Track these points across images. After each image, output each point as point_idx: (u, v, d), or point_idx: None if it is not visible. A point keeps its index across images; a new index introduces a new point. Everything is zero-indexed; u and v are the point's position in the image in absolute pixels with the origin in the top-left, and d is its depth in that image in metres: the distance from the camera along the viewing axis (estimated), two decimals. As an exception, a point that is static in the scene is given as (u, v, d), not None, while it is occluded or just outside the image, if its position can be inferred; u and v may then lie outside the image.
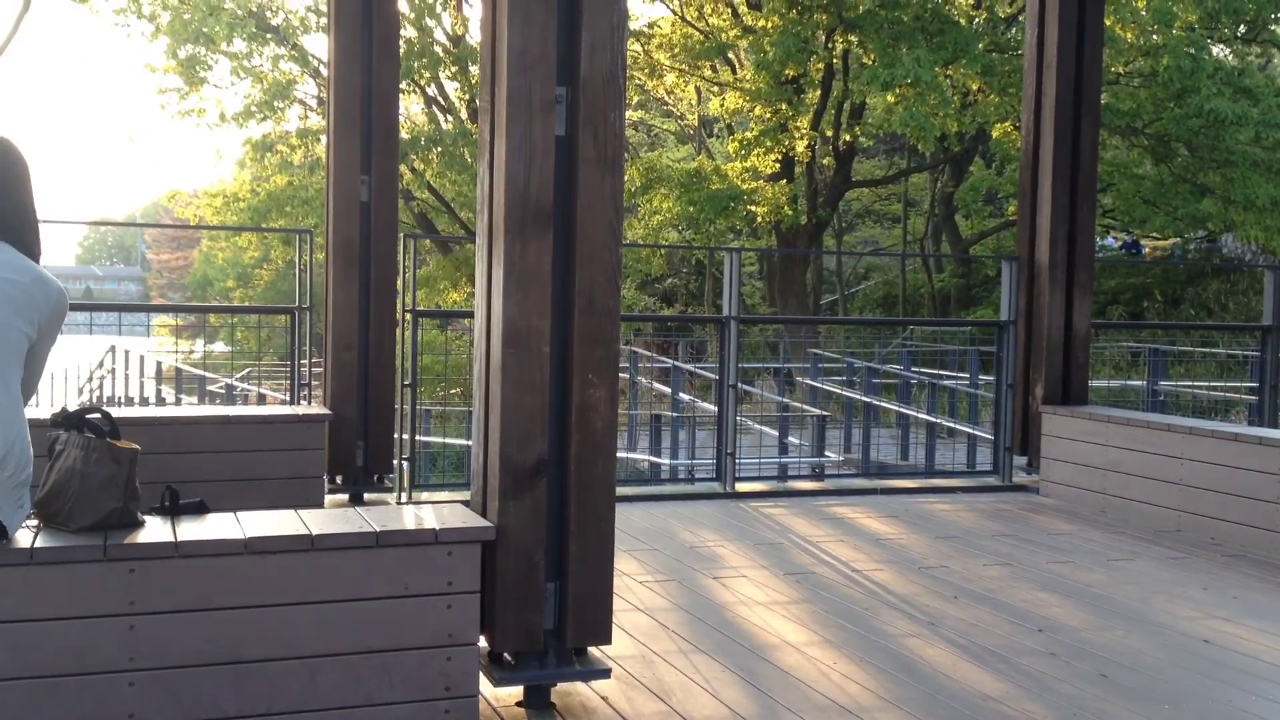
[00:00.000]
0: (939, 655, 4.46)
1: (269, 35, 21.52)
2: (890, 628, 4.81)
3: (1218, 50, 21.44)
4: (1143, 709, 3.93)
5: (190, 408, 9.36)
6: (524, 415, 3.71)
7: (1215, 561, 6.15)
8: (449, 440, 11.78)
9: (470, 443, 4.05)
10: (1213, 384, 12.91)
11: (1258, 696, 4.08)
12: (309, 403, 7.60)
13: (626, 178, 18.77)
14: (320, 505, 6.06)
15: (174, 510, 3.57)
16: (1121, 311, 22.17)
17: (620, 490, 7.57)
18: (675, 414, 12.56)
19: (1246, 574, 5.89)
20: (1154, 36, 19.05)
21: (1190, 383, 13.00)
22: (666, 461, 11.66)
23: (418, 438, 7.68)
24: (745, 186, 20.65)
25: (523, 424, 3.71)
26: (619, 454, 11.54)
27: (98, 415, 3.52)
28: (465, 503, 3.98)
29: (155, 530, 3.37)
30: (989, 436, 9.25)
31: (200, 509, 3.63)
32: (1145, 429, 7.26)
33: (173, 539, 3.29)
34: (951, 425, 12.35)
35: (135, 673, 3.21)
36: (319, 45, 22.62)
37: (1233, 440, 6.72)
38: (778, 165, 21.01)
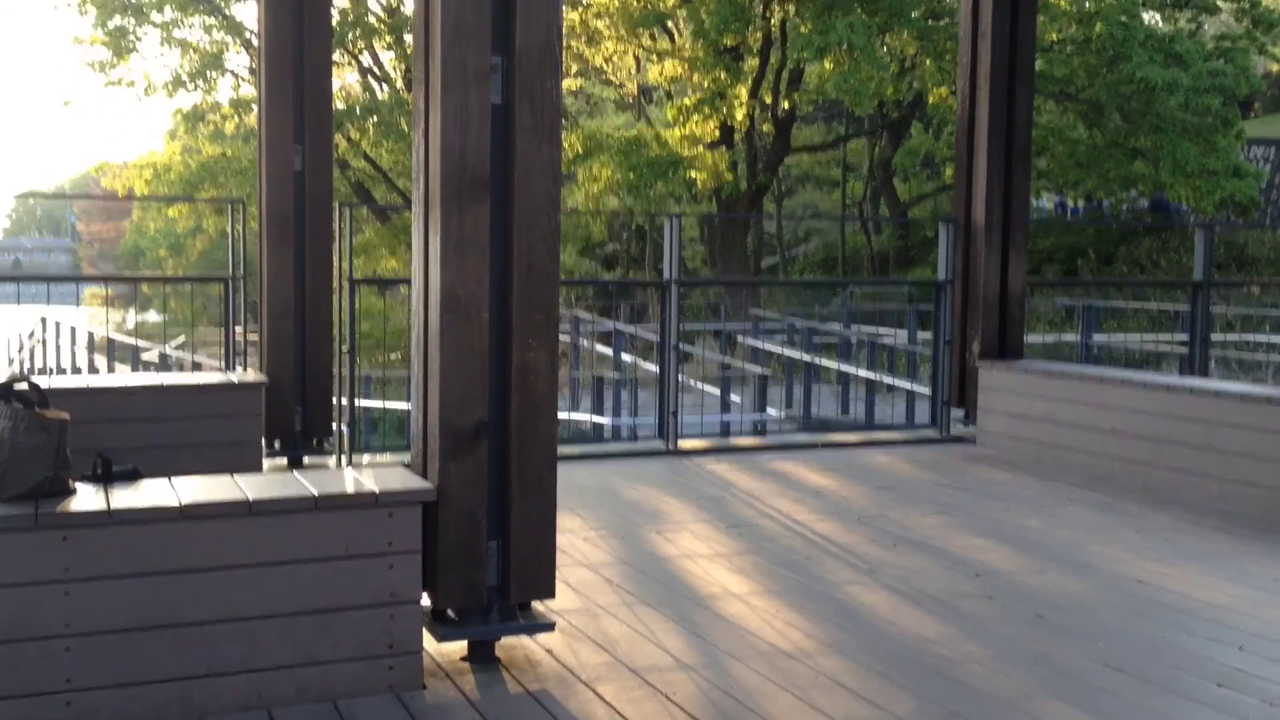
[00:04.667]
0: (879, 601, 4.53)
1: (200, 4, 21.08)
2: (831, 576, 4.88)
3: (1149, 17, 21.72)
4: (1077, 647, 4.02)
5: (124, 375, 9.19)
6: (463, 380, 3.69)
7: (1147, 506, 6.29)
8: (389, 404, 11.70)
9: (410, 406, 4.03)
10: (1145, 337, 13.16)
11: (1189, 634, 4.19)
12: (245, 369, 7.50)
13: (565, 145, 18.69)
14: (259, 470, 6.00)
15: (107, 478, 3.52)
16: (1056, 270, 22.48)
17: (563, 450, 7.58)
18: (618, 375, 12.57)
19: (1177, 517, 6.04)
20: (1087, 4, 19.26)
21: (1123, 336, 13.22)
22: (609, 421, 11.69)
23: (358, 402, 7.63)
24: (685, 153, 20.62)
25: (462, 388, 3.69)
26: (562, 415, 11.50)
27: (25, 386, 3.46)
28: (406, 465, 3.97)
29: (87, 498, 3.32)
30: (927, 391, 9.37)
31: (134, 476, 3.59)
32: (1079, 381, 7.39)
33: (105, 507, 3.24)
34: (891, 381, 12.48)
35: (71, 638, 3.17)
36: (249, 14, 22.20)
37: (1164, 391, 6.86)
38: (717, 132, 20.99)
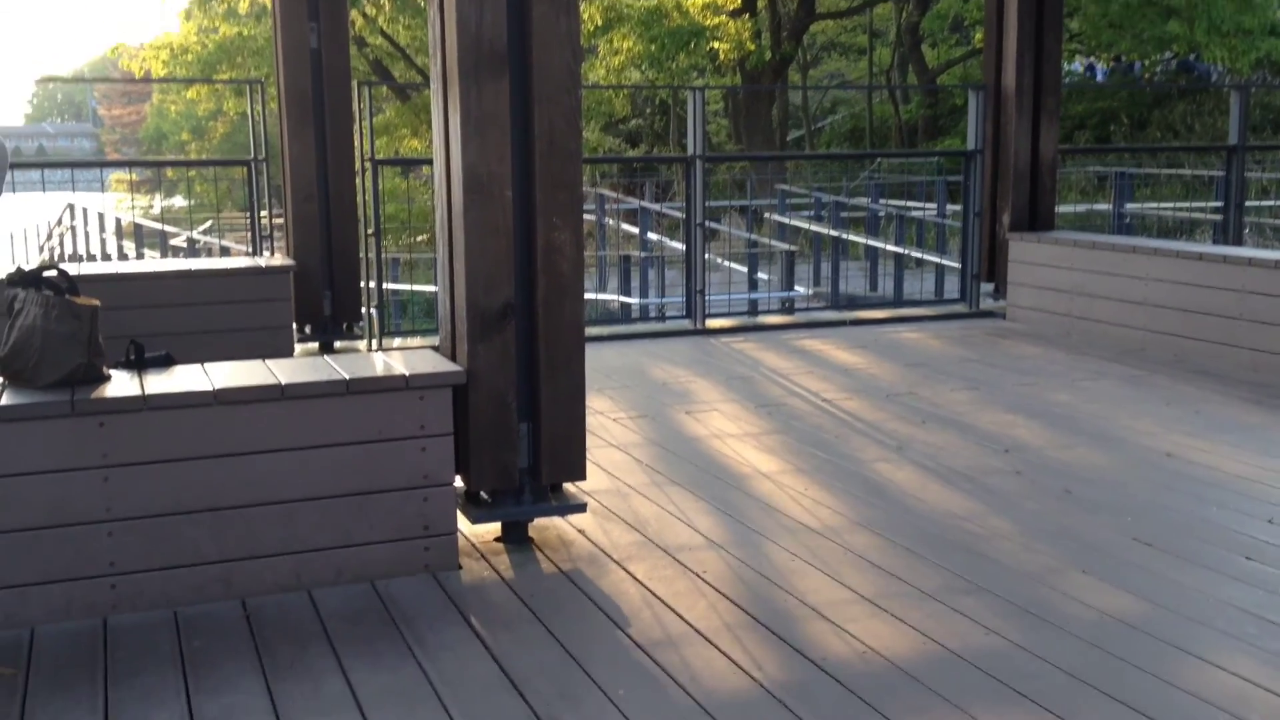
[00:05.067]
0: (907, 478, 4.56)
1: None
2: (860, 453, 4.90)
3: None
4: (1105, 521, 4.05)
5: (153, 262, 9.22)
6: (489, 260, 3.67)
7: (1178, 378, 6.26)
8: (417, 287, 11.71)
9: (437, 289, 4.03)
10: (1178, 205, 12.93)
11: (1217, 506, 4.20)
12: (272, 254, 7.51)
13: (584, 17, 18.25)
14: (290, 355, 6.04)
15: (140, 364, 3.56)
16: (1088, 136, 22.02)
17: (591, 330, 7.58)
18: (644, 254, 12.51)
19: (1208, 389, 6.01)
20: None
21: (1156, 205, 13.00)
22: (637, 301, 11.66)
23: (386, 285, 7.64)
24: (707, 22, 20.14)
25: (488, 269, 3.67)
26: (589, 295, 11.46)
27: (54, 272, 3.47)
28: (435, 348, 3.98)
29: (122, 384, 3.35)
30: (956, 265, 9.28)
31: (167, 362, 3.62)
32: (1110, 251, 7.30)
33: (140, 392, 3.27)
34: (919, 255, 12.36)
35: (113, 523, 3.23)
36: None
37: (1197, 259, 6.77)
38: (739, 0, 20.46)
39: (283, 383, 3.41)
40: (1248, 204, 11.34)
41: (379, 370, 3.63)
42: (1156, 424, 5.33)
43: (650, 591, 3.44)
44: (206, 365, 3.60)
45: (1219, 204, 10.00)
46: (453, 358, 3.78)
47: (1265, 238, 13.34)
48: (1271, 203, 14.06)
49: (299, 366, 3.67)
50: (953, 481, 4.51)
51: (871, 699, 2.78)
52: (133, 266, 6.86)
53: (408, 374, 3.54)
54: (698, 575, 3.56)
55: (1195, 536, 3.89)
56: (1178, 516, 4.10)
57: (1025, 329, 7.76)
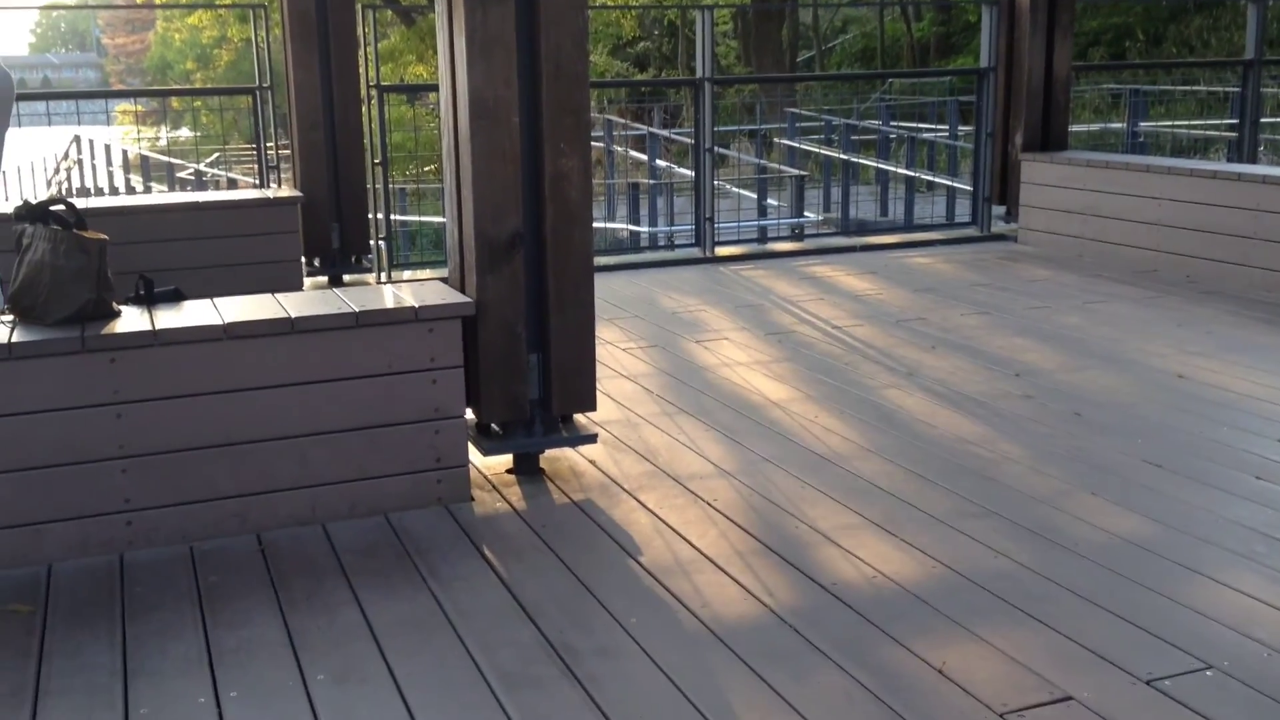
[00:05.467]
0: (917, 404, 4.56)
1: None
2: (870, 380, 4.90)
3: None
4: (1115, 443, 4.05)
5: (160, 195, 9.19)
6: (496, 188, 3.65)
7: (1190, 299, 6.23)
8: (425, 218, 11.66)
9: (445, 219, 4.00)
10: (1193, 123, 12.77)
11: (1229, 427, 4.20)
12: (279, 185, 7.48)
13: (591, -65, 17.94)
14: (299, 288, 6.04)
15: (149, 299, 3.56)
16: (1103, 53, 21.68)
17: (600, 260, 7.56)
18: (653, 181, 12.42)
19: (1220, 310, 5.98)
20: None
21: (1170, 123, 12.83)
22: (646, 230, 11.60)
23: (394, 217, 7.61)
24: (716, -61, 19.78)
25: (495, 198, 3.65)
26: (597, 224, 11.41)
27: (62, 206, 3.45)
28: (444, 280, 3.97)
29: (132, 320, 3.36)
30: (968, 188, 9.20)
31: (176, 297, 3.62)
32: (1124, 171, 7.22)
33: (151, 328, 3.28)
34: (930, 179, 12.26)
35: (127, 459, 3.26)
36: None
37: (1210, 178, 6.70)
38: (748, -85, 20.09)
39: (292, 316, 3.41)
40: (1264, 120, 11.19)
41: (388, 303, 3.63)
42: (1168, 345, 5.31)
43: (661, 520, 3.47)
44: (216, 300, 3.60)
45: (1234, 121, 9.86)
46: (461, 289, 3.78)
47: (1281, 155, 13.17)
48: (1288, 119, 13.87)
49: (308, 300, 3.67)
50: (963, 406, 4.51)
51: (880, 622, 2.81)
52: (140, 200, 6.84)
53: (417, 306, 3.54)
54: (708, 503, 3.59)
55: (1205, 457, 3.90)
56: (1187, 437, 4.10)
57: (1037, 251, 7.71)
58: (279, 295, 3.69)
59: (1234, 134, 9.69)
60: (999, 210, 8.38)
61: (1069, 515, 3.43)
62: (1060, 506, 3.50)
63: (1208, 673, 2.55)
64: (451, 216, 3.85)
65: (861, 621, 2.82)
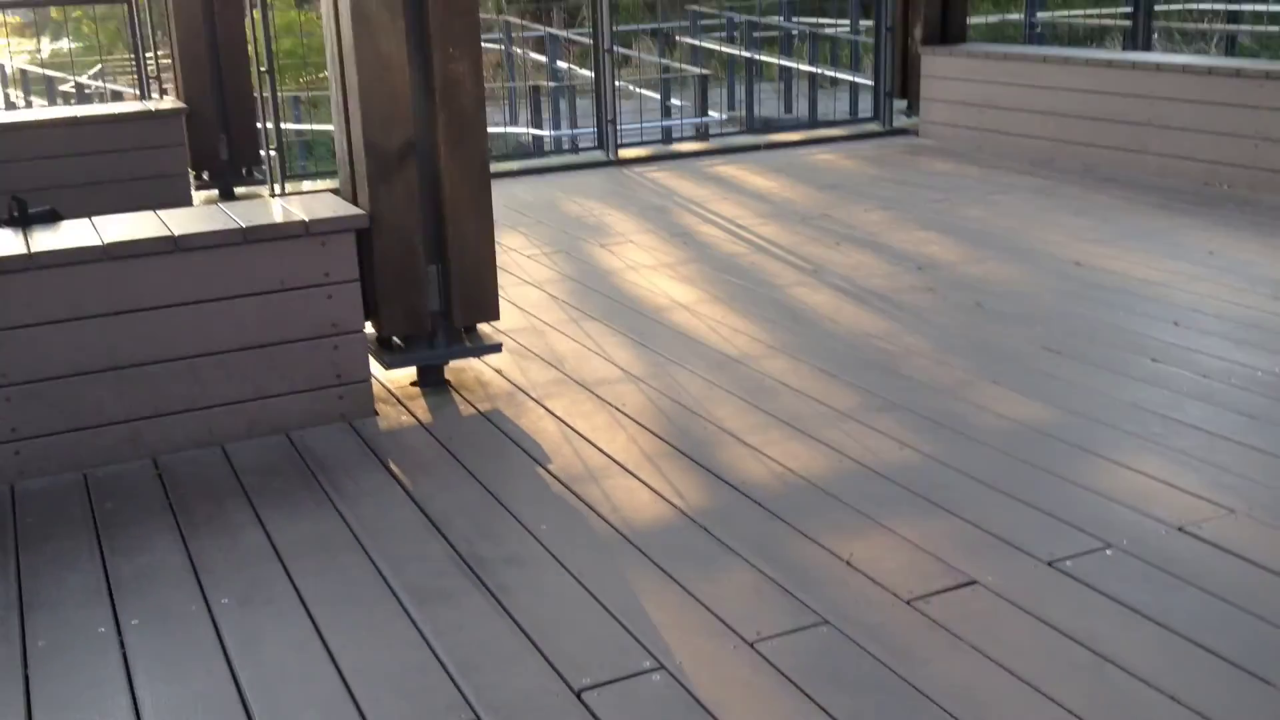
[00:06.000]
0: (823, 301, 4.57)
1: None
2: (775, 279, 4.90)
3: None
4: (1015, 331, 4.10)
5: (35, 110, 8.77)
6: (384, 97, 3.52)
7: (1087, 187, 6.31)
8: (321, 126, 11.32)
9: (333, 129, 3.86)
10: (1089, 12, 12.84)
11: (1125, 312, 4.28)
12: (162, 97, 7.17)
13: None
14: (188, 203, 5.83)
15: (24, 220, 3.39)
16: (1002, -57, 21.64)
17: (502, 166, 7.43)
18: (554, 84, 12.19)
19: (1116, 196, 6.07)
20: None
21: (1067, 13, 12.90)
22: (549, 134, 11.41)
23: (288, 126, 7.36)
24: None
25: (383, 106, 3.52)
26: (499, 129, 11.16)
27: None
28: (336, 192, 3.85)
29: (6, 243, 3.20)
30: (870, 83, 9.18)
31: (52, 218, 3.45)
32: (1021, 62, 7.24)
33: (26, 250, 3.13)
34: (834, 75, 12.20)
35: (10, 387, 3.13)
36: None
37: (1105, 67, 6.75)
38: None
39: (176, 234, 3.27)
40: (1157, 8, 11.28)
41: (277, 217, 3.51)
42: (1066, 234, 5.38)
43: (570, 427, 3.44)
44: (95, 219, 3.44)
45: (1129, 10, 9.93)
46: (354, 201, 3.66)
47: (1174, 42, 13.34)
48: (1180, 5, 14.02)
49: (193, 216, 3.53)
50: (867, 302, 4.53)
51: (790, 518, 2.82)
52: (13, 116, 6.51)
53: (307, 220, 3.42)
54: (617, 409, 3.57)
55: (1102, 342, 3.97)
56: (1085, 324, 4.17)
57: (938, 145, 7.73)
58: (162, 212, 3.54)
59: (1128, 22, 9.77)
60: (901, 104, 8.38)
61: (972, 405, 3.48)
62: (963, 396, 3.55)
63: (1107, 552, 2.61)
64: (339, 127, 3.71)
65: (770, 518, 2.84)
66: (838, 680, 2.18)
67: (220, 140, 6.67)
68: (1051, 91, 6.97)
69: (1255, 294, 4.41)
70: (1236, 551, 2.58)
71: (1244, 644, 2.24)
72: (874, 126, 8.49)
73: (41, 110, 9.05)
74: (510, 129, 11.74)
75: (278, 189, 6.95)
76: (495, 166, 7.45)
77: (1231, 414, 3.33)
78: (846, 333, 4.18)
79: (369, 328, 3.65)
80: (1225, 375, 3.62)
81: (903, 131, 8.23)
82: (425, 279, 3.64)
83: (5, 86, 13.11)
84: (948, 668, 2.21)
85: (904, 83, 8.23)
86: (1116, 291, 4.52)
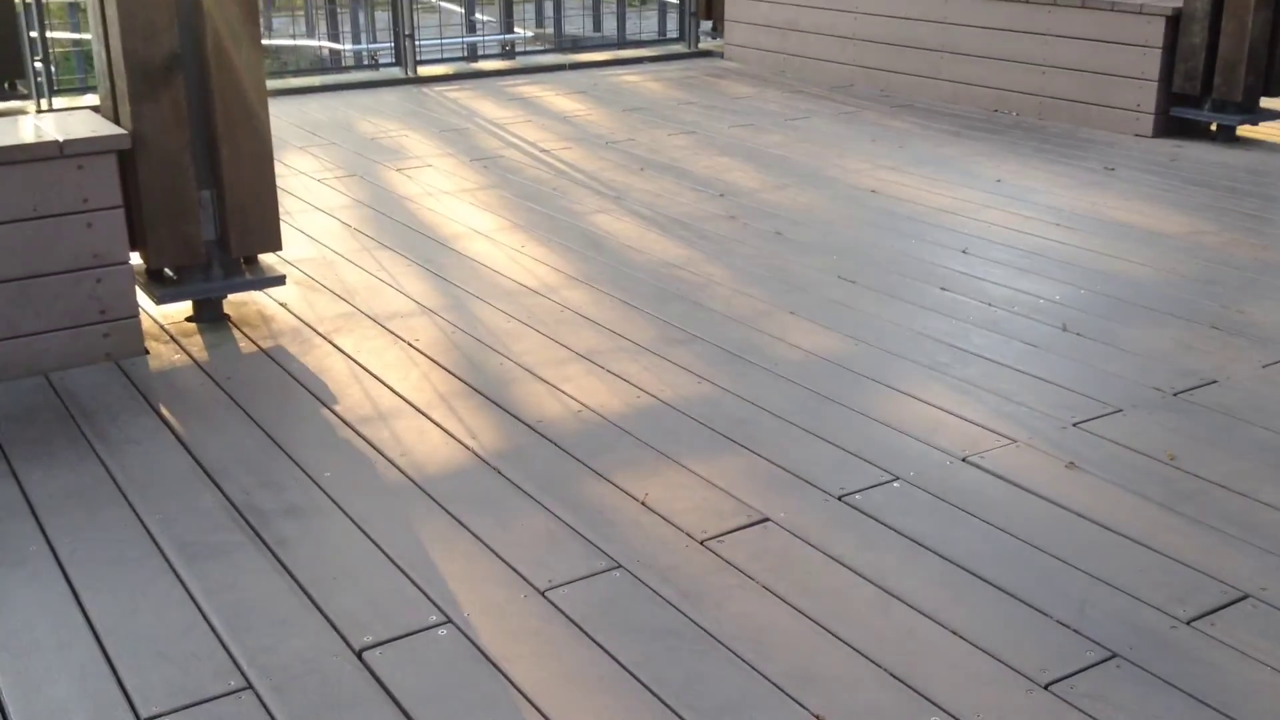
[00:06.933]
0: (625, 229, 4.50)
1: None
2: (578, 206, 4.79)
3: None
4: (813, 261, 4.12)
5: None
6: (145, 3, 3.22)
7: (885, 113, 6.40)
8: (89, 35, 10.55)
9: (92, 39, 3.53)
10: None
11: (917, 240, 4.35)
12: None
13: None
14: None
15: None
16: None
17: (292, 82, 7.06)
18: (352, -5, 11.63)
19: (911, 122, 6.17)
20: None
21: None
22: (348, 48, 10.92)
23: (62, 35, 6.79)
24: None
25: (145, 14, 3.23)
26: (291, 41, 10.61)
27: None
28: (96, 109, 3.53)
29: None
30: (677, 1, 9.07)
31: None
32: (824, -14, 7.26)
33: None
34: (641, -8, 12.04)
35: None
36: None
37: (905, -7, 6.82)
38: None
39: (-94, 158, 2.95)
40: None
41: (28, 136, 3.19)
42: (863, 160, 5.44)
43: (359, 365, 3.29)
44: None
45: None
46: (115, 120, 3.37)
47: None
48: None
49: (-71, 137, 3.19)
50: (669, 230, 4.48)
51: (585, 457, 2.76)
52: None
53: (62, 140, 3.13)
54: (409, 344, 3.42)
55: (895, 271, 4.02)
56: (880, 252, 4.22)
57: (742, 68, 7.72)
58: (-109, 131, 3.18)
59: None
60: (706, 26, 8.33)
61: (769, 336, 3.47)
62: (761, 328, 3.54)
63: (895, 484, 2.64)
64: (97, 36, 3.40)
65: (566, 458, 2.77)
66: (629, 627, 2.14)
67: (-27, 49, 6.10)
68: (851, 16, 7.02)
69: (1040, 222, 4.55)
70: (1017, 482, 2.65)
71: (1022, 576, 2.30)
72: (680, 48, 8.42)
73: None
74: (305, 41, 11.19)
75: (45, 105, 6.43)
76: (286, 83, 7.07)
77: (1015, 342, 3.42)
78: (648, 262, 4.13)
79: (136, 259, 3.39)
80: (1010, 303, 3.72)
81: (708, 54, 8.19)
82: (197, 205, 3.39)
83: None
84: (739, 609, 2.19)
85: (709, 4, 8.16)
86: (910, 219, 4.59)
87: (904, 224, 4.53)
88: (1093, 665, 2.04)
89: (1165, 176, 5.21)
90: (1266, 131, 6.02)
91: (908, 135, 5.92)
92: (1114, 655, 2.06)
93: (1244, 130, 5.97)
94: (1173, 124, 5.92)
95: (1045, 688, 1.98)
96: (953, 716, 1.91)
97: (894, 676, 2.01)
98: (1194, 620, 2.16)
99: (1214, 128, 5.93)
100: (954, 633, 2.12)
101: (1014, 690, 1.97)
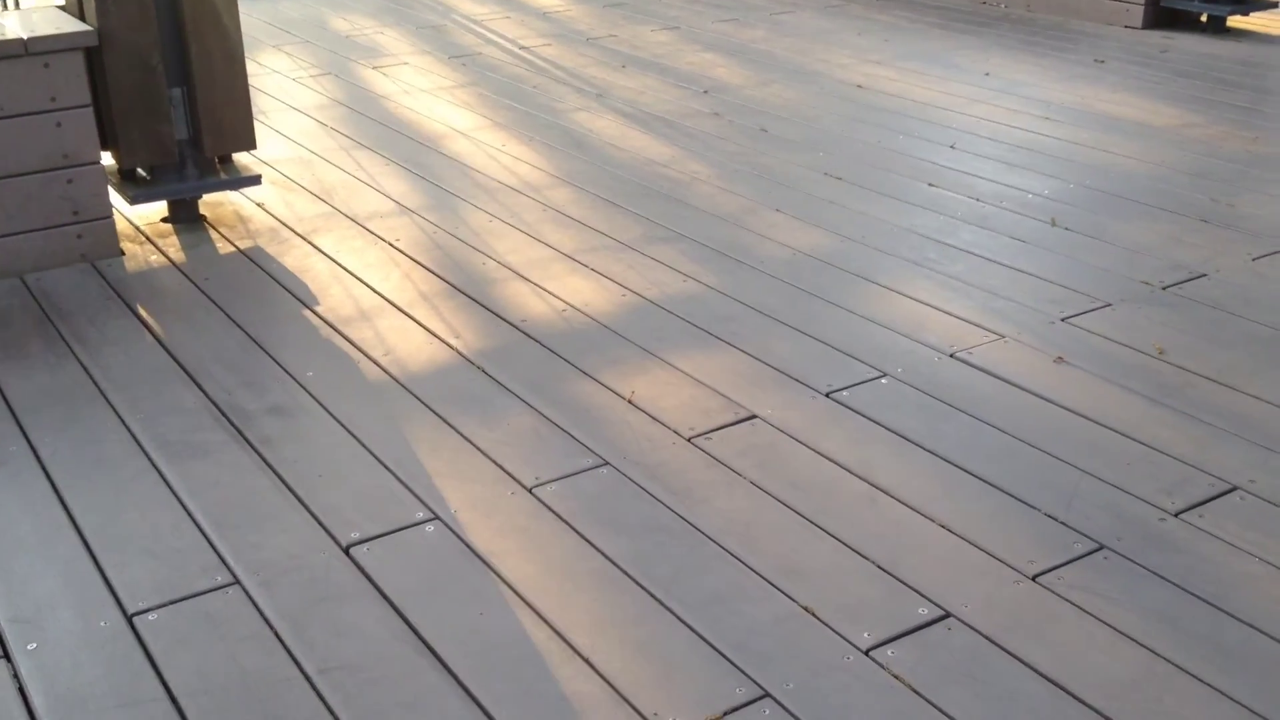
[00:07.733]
0: (608, 126, 4.42)
1: None
2: (559, 104, 4.70)
3: None
4: (799, 157, 4.06)
5: None
6: (108, -111, 3.11)
7: (871, 6, 6.27)
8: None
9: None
10: None
11: (905, 135, 4.29)
12: None
13: None
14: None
15: None
16: None
17: (263, -21, 6.85)
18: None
19: (898, 15, 6.05)
20: None
21: None
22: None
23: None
24: None
25: (108, -100, 3.11)
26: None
27: None
28: (61, 7, 3.42)
29: None
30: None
31: None
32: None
33: None
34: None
35: None
36: None
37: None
38: None
39: None
40: None
41: (-10, 33, 3.09)
42: (849, 55, 5.35)
43: (339, 265, 3.24)
44: None
45: None
46: (80, 16, 3.26)
47: None
48: None
49: (-113, 32, 3.08)
50: (652, 127, 4.40)
51: (570, 355, 2.73)
52: None
53: (26, 38, 3.03)
54: (390, 244, 3.37)
55: (883, 167, 3.97)
56: (867, 148, 4.16)
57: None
58: None
59: None
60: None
61: (755, 234, 3.43)
62: (746, 225, 3.49)
63: (883, 381, 2.62)
64: (59, -74, 3.28)
65: (551, 357, 2.74)
66: (617, 523, 2.14)
67: (-68, -56, 5.89)
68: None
69: (1028, 115, 4.48)
70: (1004, 376, 2.64)
71: (1009, 470, 2.30)
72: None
73: None
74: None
75: (9, 3, 6.23)
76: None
77: (1003, 238, 3.39)
78: (631, 159, 4.06)
79: (109, 159, 3.31)
80: (997, 198, 3.68)
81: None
82: (169, 103, 3.31)
83: None
84: (726, 505, 2.19)
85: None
86: (897, 114, 4.52)
87: (891, 119, 4.47)
88: (1080, 557, 2.04)
89: (1155, 69, 5.14)
90: (1257, 22, 5.94)
91: (894, 29, 5.81)
92: (1101, 547, 2.07)
93: (1235, 21, 5.88)
94: (1163, 15, 5.83)
95: (1033, 579, 1.99)
96: (940, 608, 1.92)
97: (881, 569, 2.01)
98: (1182, 512, 2.17)
99: (1205, 19, 5.84)
100: (942, 526, 2.13)
101: (1002, 582, 1.98)
